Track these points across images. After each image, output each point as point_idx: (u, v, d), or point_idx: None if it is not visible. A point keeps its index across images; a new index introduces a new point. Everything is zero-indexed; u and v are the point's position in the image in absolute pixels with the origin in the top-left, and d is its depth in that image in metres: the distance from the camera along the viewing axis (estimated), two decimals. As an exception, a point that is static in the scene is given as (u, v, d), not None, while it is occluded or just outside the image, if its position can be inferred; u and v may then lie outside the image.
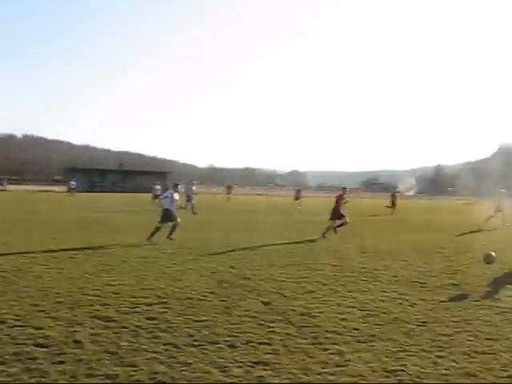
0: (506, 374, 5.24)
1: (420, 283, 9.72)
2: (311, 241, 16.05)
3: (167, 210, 15.61)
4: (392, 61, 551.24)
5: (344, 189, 19.16)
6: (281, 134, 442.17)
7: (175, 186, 16.63)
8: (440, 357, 5.65)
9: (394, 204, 33.77)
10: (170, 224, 15.45)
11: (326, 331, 6.46)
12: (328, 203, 20.66)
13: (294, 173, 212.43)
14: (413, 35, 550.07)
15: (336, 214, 18.04)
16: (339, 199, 18.29)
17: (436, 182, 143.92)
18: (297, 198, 40.20)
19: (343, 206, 18.28)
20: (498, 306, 8.03)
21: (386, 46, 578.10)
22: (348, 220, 18.16)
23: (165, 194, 16.04)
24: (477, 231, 21.57)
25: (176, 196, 15.96)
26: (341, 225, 18.08)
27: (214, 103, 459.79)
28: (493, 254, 12.08)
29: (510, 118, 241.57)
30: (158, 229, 15.27)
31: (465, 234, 20.50)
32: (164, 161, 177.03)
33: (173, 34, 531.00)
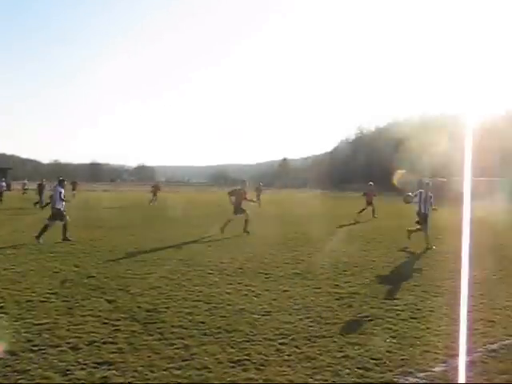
0: (341, 354, 5.57)
1: (265, 274, 10.02)
2: (159, 236, 15.90)
3: (56, 208, 14.87)
4: (236, 54, 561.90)
5: (244, 182, 18.71)
6: (128, 128, 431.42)
7: (61, 182, 15.65)
8: (283, 344, 5.87)
9: (258, 198, 34.13)
10: (61, 223, 14.72)
11: (172, 326, 6.44)
12: (178, 198, 20.49)
13: (142, 167, 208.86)
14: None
15: (239, 210, 17.66)
16: (242, 195, 17.82)
17: (282, 176, 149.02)
18: (154, 193, 39.13)
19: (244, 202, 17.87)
20: (336, 292, 8.51)
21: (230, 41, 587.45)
22: (249, 215, 17.72)
23: (58, 191, 15.00)
24: (353, 223, 22.51)
25: (63, 192, 15.18)
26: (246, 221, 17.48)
27: (57, 93, 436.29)
28: (410, 194, 13.25)
29: (349, 114, 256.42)
30: (46, 227, 14.54)
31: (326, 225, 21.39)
32: (3, 156, 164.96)
33: None
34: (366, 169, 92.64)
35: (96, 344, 5.72)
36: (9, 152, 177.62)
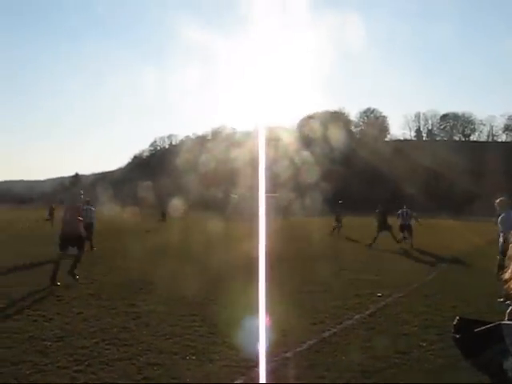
0: (141, 376, 5.40)
1: (56, 296, 9.41)
2: None
3: None
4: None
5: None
6: None
7: None
8: (78, 371, 5.51)
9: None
10: None
11: None
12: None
13: None
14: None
15: None
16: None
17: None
18: None
19: None
20: (133, 312, 8.28)
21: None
22: None
23: None
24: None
25: None
26: None
27: None
28: None
29: (142, 133, 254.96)
30: None
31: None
32: None
33: None
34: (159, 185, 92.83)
35: None
36: None
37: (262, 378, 5.18)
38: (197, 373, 5.51)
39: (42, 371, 5.48)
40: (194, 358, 6.01)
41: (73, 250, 11.11)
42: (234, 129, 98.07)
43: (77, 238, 11.11)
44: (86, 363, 5.76)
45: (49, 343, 6.49)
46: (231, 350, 6.29)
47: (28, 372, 5.45)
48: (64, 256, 10.99)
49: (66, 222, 11.15)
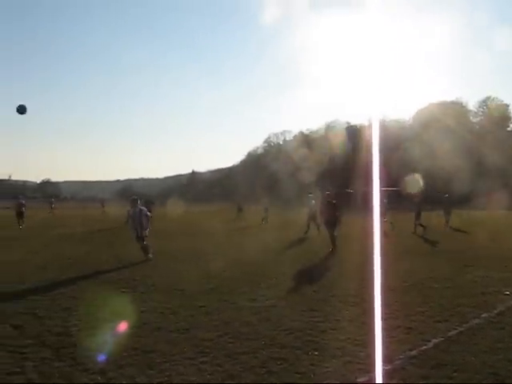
0: (264, 370, 5.43)
1: (179, 290, 9.72)
2: (66, 254, 15.14)
3: None
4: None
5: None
6: (29, 141, 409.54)
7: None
8: (204, 362, 5.65)
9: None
10: None
11: (86, 350, 6.05)
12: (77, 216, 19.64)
13: (46, 183, 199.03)
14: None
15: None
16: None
17: (191, 190, 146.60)
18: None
19: None
20: (253, 306, 8.37)
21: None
22: None
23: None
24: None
25: None
26: None
27: None
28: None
29: (256, 128, 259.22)
30: None
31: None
32: None
33: None
34: (270, 182, 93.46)
35: (0, 376, 5.25)
36: None
37: (379, 378, 5.05)
38: (320, 368, 5.46)
39: (171, 361, 5.68)
40: (316, 353, 5.96)
41: None
42: (349, 123, 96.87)
43: None
44: (212, 355, 5.89)
45: (175, 334, 6.72)
46: (355, 347, 6.19)
47: (158, 360, 5.68)
48: None
49: None
